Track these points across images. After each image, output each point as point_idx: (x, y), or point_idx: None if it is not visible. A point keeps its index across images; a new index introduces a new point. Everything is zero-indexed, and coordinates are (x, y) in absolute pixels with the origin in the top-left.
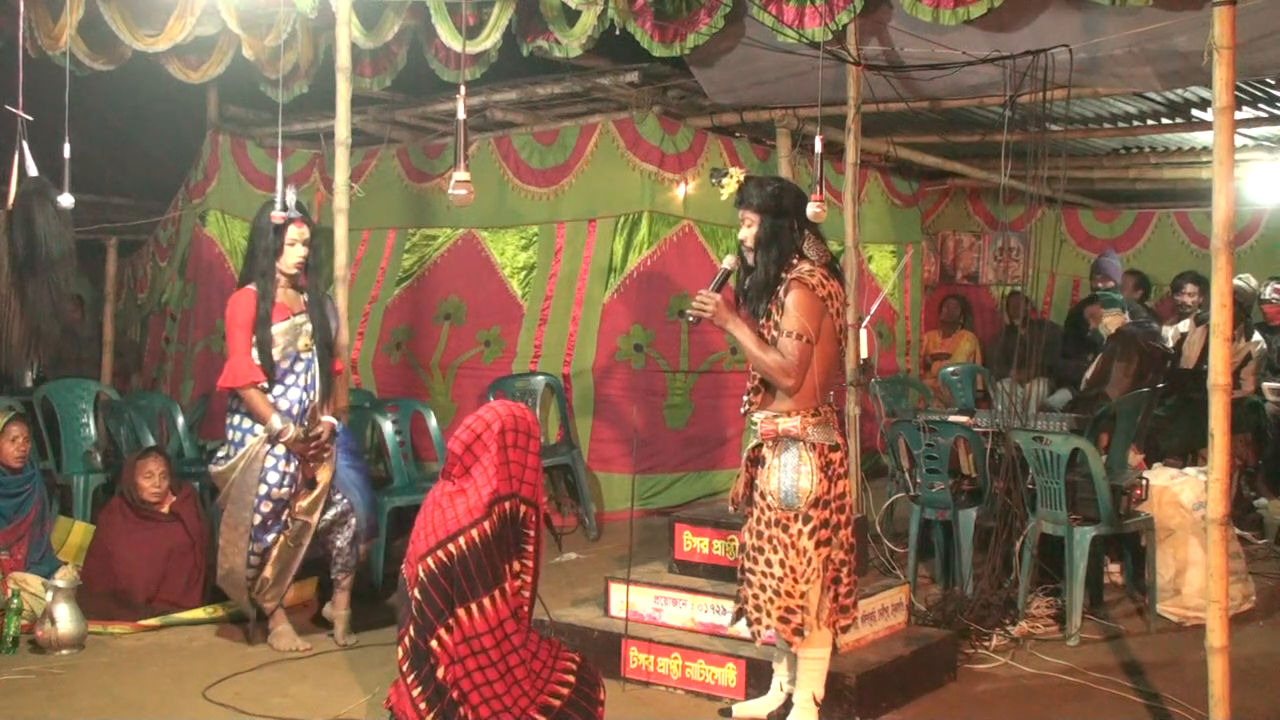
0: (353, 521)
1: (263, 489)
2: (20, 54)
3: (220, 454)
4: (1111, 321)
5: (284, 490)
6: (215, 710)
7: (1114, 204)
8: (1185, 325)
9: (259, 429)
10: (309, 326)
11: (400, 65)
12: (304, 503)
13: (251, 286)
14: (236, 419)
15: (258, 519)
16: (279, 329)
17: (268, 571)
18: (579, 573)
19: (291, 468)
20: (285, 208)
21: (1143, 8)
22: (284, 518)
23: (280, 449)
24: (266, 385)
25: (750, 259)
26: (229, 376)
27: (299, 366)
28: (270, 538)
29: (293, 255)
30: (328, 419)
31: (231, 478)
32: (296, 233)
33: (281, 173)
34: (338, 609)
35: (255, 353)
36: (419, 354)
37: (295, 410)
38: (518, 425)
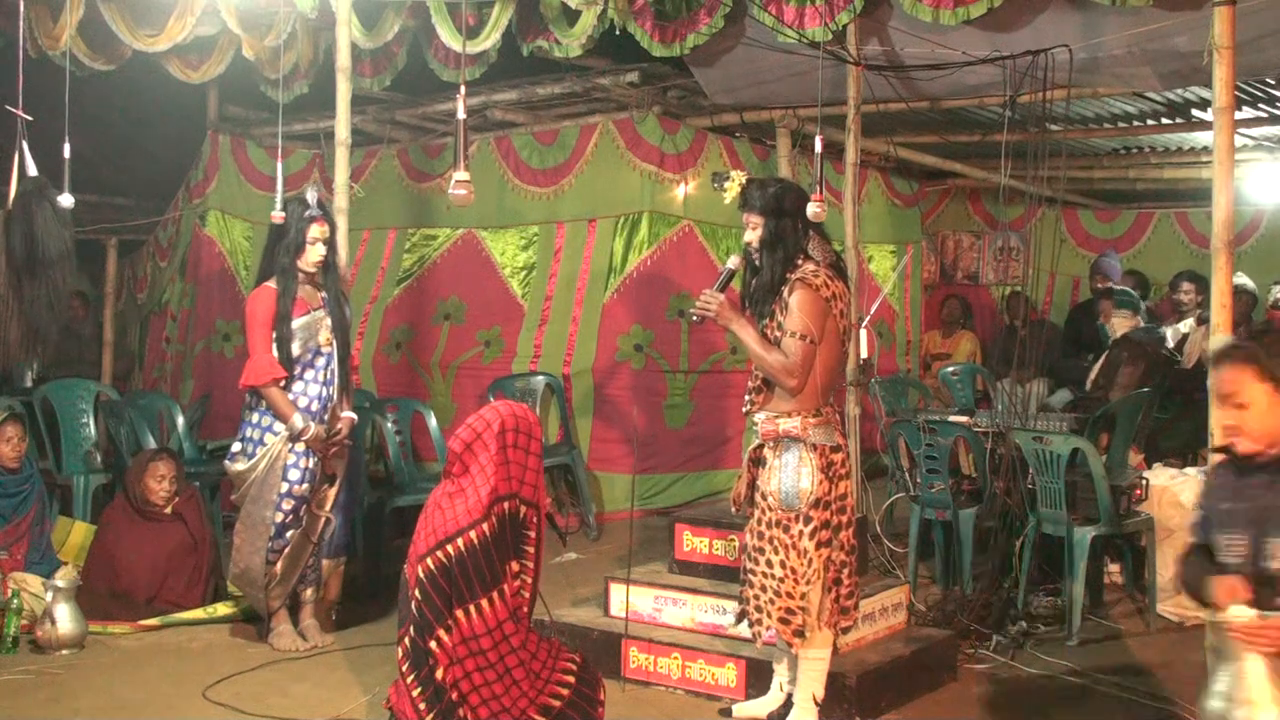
0: (328, 535)
1: (284, 487)
2: (20, 54)
3: (235, 449)
4: (1120, 324)
5: (304, 487)
6: (215, 710)
7: (1114, 204)
8: (1186, 325)
9: (279, 427)
10: (329, 321)
11: (400, 65)
12: (321, 497)
13: (270, 284)
14: (255, 417)
15: (280, 517)
16: (298, 323)
17: (278, 567)
18: (579, 573)
19: (311, 463)
20: (295, 206)
21: (1143, 8)
22: (301, 514)
23: (301, 446)
24: (285, 381)
25: (757, 260)
26: (250, 375)
27: (319, 362)
28: (289, 534)
29: (314, 254)
30: (347, 414)
31: (252, 478)
32: (319, 231)
33: (281, 172)
34: (304, 620)
35: (275, 349)
36: (419, 354)
37: (315, 406)
38: (518, 425)
